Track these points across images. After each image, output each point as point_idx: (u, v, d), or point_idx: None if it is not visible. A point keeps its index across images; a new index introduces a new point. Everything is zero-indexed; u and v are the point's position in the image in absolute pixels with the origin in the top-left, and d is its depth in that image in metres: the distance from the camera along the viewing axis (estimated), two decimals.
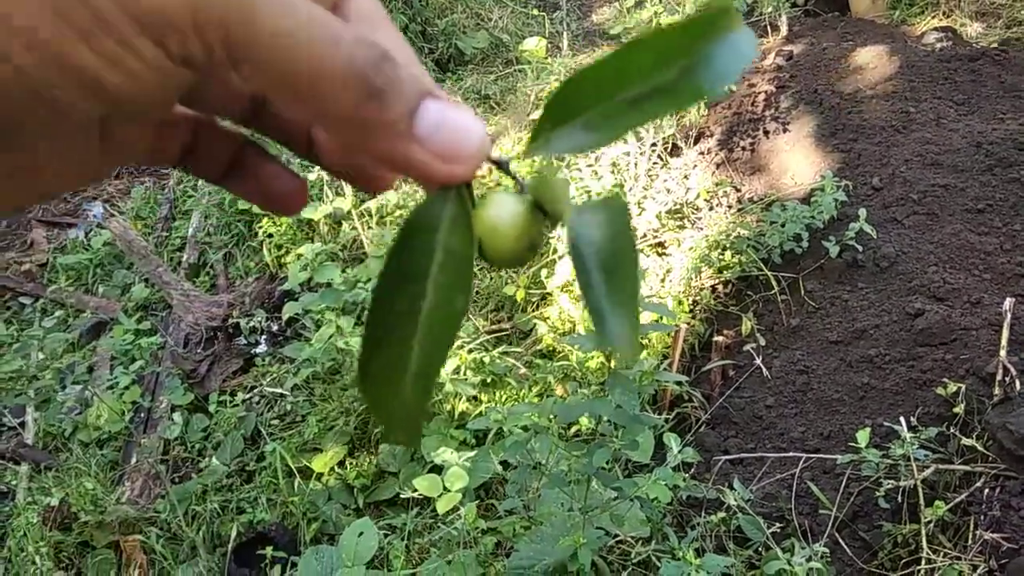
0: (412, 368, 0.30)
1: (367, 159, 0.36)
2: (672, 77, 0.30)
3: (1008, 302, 2.32)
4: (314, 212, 3.40)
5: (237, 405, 2.80)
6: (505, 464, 2.23)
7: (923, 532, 1.94)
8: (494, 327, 2.99)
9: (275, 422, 2.77)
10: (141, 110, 0.28)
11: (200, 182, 4.10)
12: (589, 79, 0.31)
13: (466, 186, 0.32)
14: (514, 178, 0.34)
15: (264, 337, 3.18)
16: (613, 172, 3.27)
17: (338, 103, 0.28)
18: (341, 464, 2.55)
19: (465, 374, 2.60)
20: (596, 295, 0.29)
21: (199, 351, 3.15)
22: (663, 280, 3.01)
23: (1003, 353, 2.18)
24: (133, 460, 2.66)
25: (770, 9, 4.76)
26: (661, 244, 3.13)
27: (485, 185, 3.69)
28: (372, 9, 0.33)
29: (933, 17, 4.80)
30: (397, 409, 0.30)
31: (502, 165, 0.34)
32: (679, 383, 2.48)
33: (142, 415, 2.86)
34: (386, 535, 2.22)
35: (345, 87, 0.28)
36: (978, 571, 1.82)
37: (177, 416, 2.82)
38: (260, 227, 3.64)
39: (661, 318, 2.51)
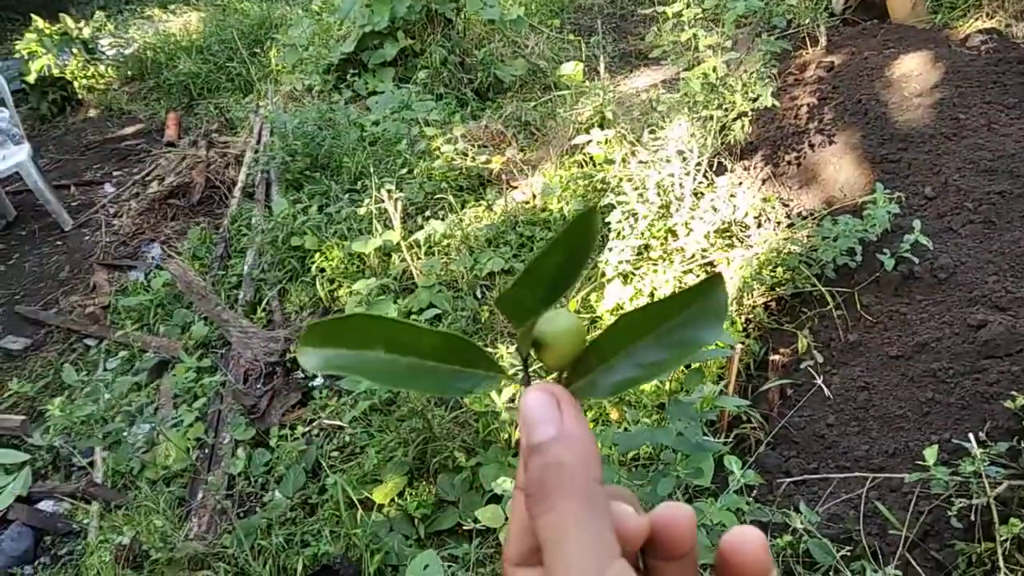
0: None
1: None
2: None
3: None
4: (364, 246, 3.48)
5: (297, 439, 2.86)
6: None
7: (999, 551, 1.88)
8: None
9: (335, 454, 2.81)
10: None
11: (253, 220, 4.21)
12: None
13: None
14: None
15: None
16: (659, 194, 3.27)
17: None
18: (401, 495, 2.58)
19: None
20: None
21: (259, 386, 3.22)
22: None
23: None
24: (199, 496, 2.72)
25: (808, 20, 4.74)
26: (711, 264, 3.11)
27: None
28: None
29: (976, 19, 4.72)
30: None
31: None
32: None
33: (206, 451, 2.93)
34: (449, 566, 2.24)
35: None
36: None
37: (240, 451, 2.88)
38: (312, 262, 3.72)
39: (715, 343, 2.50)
